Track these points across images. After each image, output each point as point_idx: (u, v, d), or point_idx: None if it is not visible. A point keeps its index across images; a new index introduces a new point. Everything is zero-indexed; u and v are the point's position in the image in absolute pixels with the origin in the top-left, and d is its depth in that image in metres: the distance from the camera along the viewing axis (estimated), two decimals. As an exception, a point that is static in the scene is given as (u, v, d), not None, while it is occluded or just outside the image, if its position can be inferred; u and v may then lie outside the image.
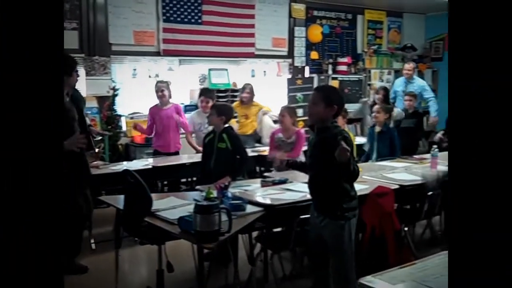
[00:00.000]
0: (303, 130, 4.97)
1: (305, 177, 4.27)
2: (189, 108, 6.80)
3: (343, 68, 8.40)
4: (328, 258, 3.17)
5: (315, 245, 3.21)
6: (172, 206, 3.36)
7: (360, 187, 3.93)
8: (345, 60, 8.43)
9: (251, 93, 6.43)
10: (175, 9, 6.61)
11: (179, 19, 6.65)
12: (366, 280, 2.18)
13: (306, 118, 7.52)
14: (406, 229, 4.34)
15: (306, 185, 3.81)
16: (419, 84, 7.64)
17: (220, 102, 6.53)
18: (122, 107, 6.55)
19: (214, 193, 3.32)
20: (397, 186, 4.01)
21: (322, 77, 8.19)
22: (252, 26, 7.37)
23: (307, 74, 8.07)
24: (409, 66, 7.67)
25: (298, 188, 3.82)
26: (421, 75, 9.24)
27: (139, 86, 6.45)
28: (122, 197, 3.46)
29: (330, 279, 3.17)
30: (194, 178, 5.42)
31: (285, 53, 7.88)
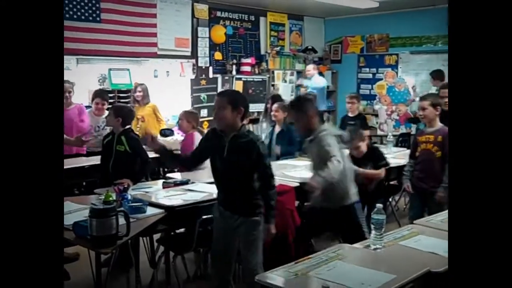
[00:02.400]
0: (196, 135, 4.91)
1: (208, 177, 4.28)
2: (88, 109, 6.53)
3: (247, 68, 8.49)
4: (231, 263, 3.21)
5: (221, 249, 3.22)
6: (68, 211, 3.21)
7: (261, 186, 4.01)
8: (248, 61, 8.52)
9: (144, 92, 6.28)
10: (71, 5, 6.31)
11: (75, 16, 6.35)
12: (262, 276, 2.23)
13: (210, 118, 7.56)
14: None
15: (208, 185, 3.83)
16: (314, 82, 8.11)
17: (121, 103, 6.36)
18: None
19: (113, 196, 3.23)
20: (297, 184, 4.12)
21: (226, 78, 8.22)
22: (154, 25, 7.23)
23: (211, 74, 8.06)
24: (309, 67, 8.15)
25: (200, 189, 3.81)
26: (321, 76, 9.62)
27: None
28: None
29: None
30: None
31: (188, 53, 7.81)
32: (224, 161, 3.05)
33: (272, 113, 5.66)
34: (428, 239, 2.68)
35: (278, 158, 5.49)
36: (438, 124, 4.03)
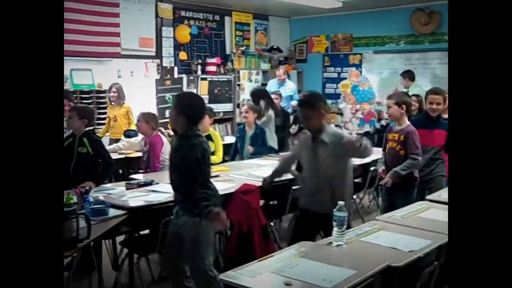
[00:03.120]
0: (162, 136, 4.87)
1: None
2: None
3: (212, 68, 8.45)
4: (176, 264, 3.19)
5: (169, 246, 3.22)
6: (26, 214, 3.14)
7: (226, 186, 4.01)
8: (214, 60, 8.49)
9: (118, 92, 6.27)
10: (29, 4, 6.17)
11: (34, 15, 6.21)
12: (226, 275, 2.22)
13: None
14: (272, 223, 4.50)
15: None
16: (291, 87, 8.16)
17: (83, 104, 6.25)
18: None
19: (74, 199, 3.17)
20: (262, 183, 4.13)
21: (192, 78, 8.17)
22: (117, 25, 7.12)
23: (176, 74, 8.00)
24: (278, 72, 8.18)
25: (164, 189, 3.78)
26: (287, 76, 9.66)
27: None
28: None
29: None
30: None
31: (153, 53, 7.73)
32: (170, 161, 3.15)
33: (242, 114, 5.66)
34: (389, 235, 2.73)
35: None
36: (406, 123, 4.11)
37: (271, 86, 8.14)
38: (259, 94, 6.37)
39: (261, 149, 5.54)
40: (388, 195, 4.19)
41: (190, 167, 2.96)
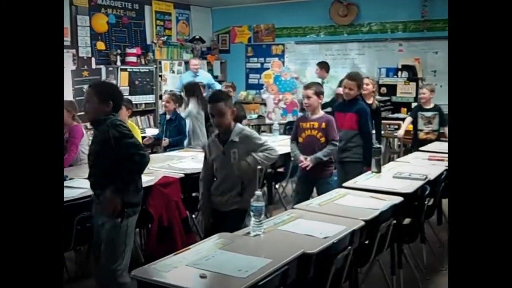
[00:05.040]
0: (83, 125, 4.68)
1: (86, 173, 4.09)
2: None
3: (133, 59, 8.23)
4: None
5: (94, 246, 3.08)
6: None
7: (145, 179, 3.88)
8: (134, 51, 8.27)
9: None
10: None
11: None
12: (139, 271, 2.15)
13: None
14: (193, 216, 4.45)
15: (87, 181, 3.64)
16: (205, 77, 8.09)
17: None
18: None
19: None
20: (182, 175, 4.07)
21: (111, 69, 7.91)
22: (28, 12, 6.75)
23: (94, 65, 7.72)
24: (195, 61, 8.10)
25: (78, 185, 3.62)
26: (210, 66, 9.61)
27: None
28: None
29: None
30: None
31: (68, 43, 7.40)
32: (90, 154, 3.01)
33: (163, 103, 5.70)
34: (306, 223, 2.76)
35: (165, 150, 5.44)
36: (321, 112, 4.21)
37: (186, 77, 7.93)
38: (191, 88, 6.16)
39: (177, 138, 5.48)
40: (305, 185, 4.25)
41: (112, 151, 2.78)
